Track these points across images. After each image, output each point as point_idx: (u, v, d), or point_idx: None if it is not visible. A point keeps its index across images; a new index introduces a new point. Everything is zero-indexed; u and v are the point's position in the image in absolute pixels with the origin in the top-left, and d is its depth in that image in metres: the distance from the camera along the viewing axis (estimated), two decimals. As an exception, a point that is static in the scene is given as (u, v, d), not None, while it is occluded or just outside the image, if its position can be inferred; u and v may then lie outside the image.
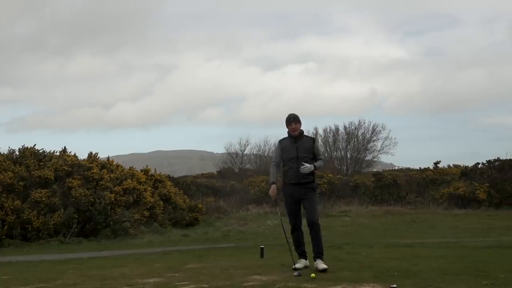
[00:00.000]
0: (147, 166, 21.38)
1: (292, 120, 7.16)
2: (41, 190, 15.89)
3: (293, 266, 6.94)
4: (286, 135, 7.28)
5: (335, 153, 43.51)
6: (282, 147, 7.20)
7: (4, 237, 14.51)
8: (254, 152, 46.12)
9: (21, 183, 15.99)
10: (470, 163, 32.02)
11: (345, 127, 42.96)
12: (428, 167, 30.56)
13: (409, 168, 39.15)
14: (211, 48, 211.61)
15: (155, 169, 21.48)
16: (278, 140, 7.39)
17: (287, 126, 7.20)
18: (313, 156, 7.18)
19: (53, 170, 16.73)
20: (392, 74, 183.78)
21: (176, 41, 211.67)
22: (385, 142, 42.53)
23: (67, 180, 16.63)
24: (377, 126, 42.69)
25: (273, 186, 7.14)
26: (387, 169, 42.65)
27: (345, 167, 42.29)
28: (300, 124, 7.22)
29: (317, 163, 7.18)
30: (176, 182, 24.83)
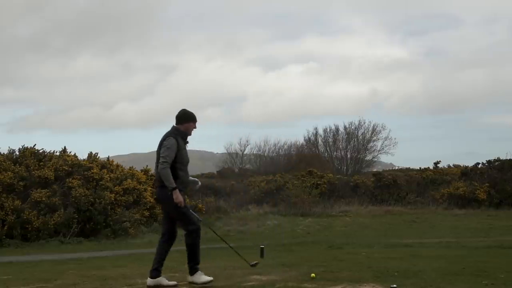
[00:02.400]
0: (147, 166, 21.36)
1: (196, 120, 6.26)
2: (41, 190, 15.90)
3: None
4: (179, 132, 6.14)
5: (335, 153, 43.64)
6: (180, 147, 6.04)
7: (4, 237, 14.52)
8: (254, 152, 46.25)
9: (21, 183, 15.99)
10: (470, 163, 32.05)
11: (345, 127, 43.13)
12: (428, 167, 30.59)
13: (409, 168, 39.21)
14: (212, 48, 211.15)
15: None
16: (172, 137, 6.02)
17: (186, 123, 6.18)
18: None
19: (53, 170, 16.73)
20: (393, 74, 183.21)
21: (177, 42, 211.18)
22: (385, 142, 42.74)
23: (67, 180, 16.63)
24: (377, 126, 42.89)
25: (178, 191, 5.93)
26: (387, 169, 42.73)
27: (345, 167, 42.36)
28: None
29: None
30: (176, 182, 24.82)
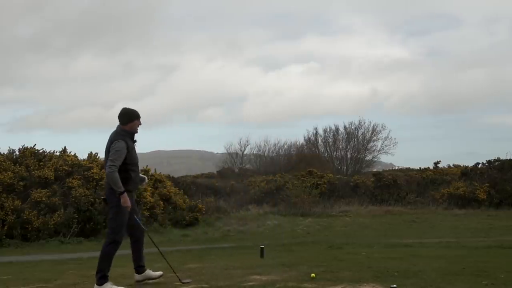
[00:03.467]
0: (147, 166, 21.36)
1: (139, 116, 6.13)
2: (41, 190, 15.89)
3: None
4: (125, 133, 6.02)
5: (335, 153, 43.66)
6: (129, 148, 5.92)
7: (4, 237, 14.51)
8: (254, 152, 46.28)
9: (21, 183, 15.99)
10: (470, 163, 32.05)
11: (345, 127, 43.16)
12: (428, 167, 30.60)
13: (409, 168, 39.23)
14: (213, 48, 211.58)
15: (155, 169, 21.47)
16: (121, 139, 5.88)
17: (131, 122, 6.04)
18: None
19: (53, 170, 16.73)
20: (393, 74, 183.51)
21: (178, 42, 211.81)
22: (385, 142, 42.77)
23: (67, 180, 16.62)
24: (377, 126, 42.91)
25: (126, 195, 5.82)
26: (387, 169, 42.76)
27: (345, 167, 42.37)
28: None
29: None
30: (176, 182, 24.84)
